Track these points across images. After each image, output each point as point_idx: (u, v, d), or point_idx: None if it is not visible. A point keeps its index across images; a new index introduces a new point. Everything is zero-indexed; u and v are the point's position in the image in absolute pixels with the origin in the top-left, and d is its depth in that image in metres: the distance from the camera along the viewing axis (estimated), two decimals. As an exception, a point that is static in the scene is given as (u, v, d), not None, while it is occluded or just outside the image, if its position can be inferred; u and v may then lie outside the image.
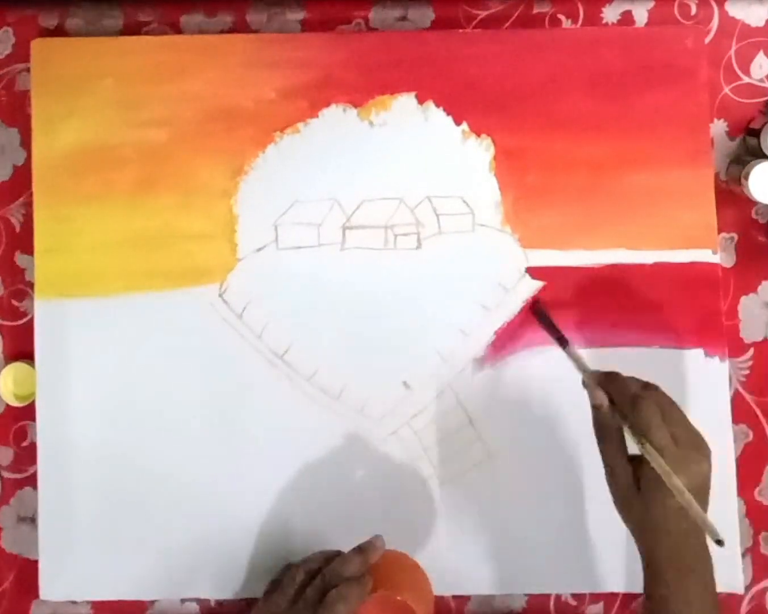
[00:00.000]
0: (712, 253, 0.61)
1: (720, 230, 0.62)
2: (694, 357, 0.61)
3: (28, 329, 0.62)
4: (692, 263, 0.61)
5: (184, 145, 0.62)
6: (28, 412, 0.62)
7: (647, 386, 0.51)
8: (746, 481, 0.61)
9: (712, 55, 0.63)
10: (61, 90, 0.62)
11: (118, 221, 0.62)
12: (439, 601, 0.60)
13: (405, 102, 0.62)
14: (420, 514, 0.61)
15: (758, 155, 0.61)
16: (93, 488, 0.61)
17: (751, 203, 0.62)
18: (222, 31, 0.64)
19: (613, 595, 0.61)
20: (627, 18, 0.64)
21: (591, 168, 0.62)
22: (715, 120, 0.63)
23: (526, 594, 0.62)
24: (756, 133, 0.61)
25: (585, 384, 0.53)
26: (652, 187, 0.61)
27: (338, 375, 0.61)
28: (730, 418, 0.61)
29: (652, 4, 0.64)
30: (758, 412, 0.62)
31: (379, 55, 0.62)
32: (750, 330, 0.63)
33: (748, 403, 0.62)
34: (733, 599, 0.61)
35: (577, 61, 0.62)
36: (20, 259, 0.64)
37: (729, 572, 0.60)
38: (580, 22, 0.64)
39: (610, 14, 0.64)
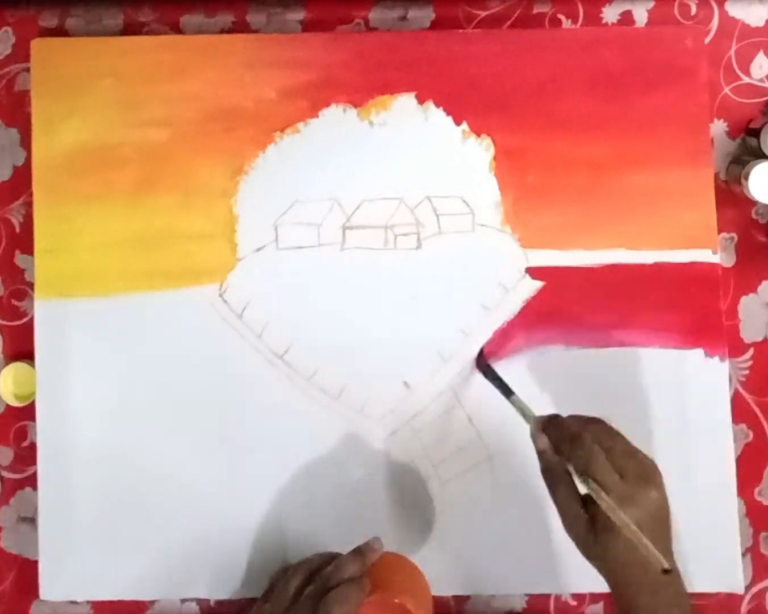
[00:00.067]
0: (712, 253, 0.61)
1: (720, 230, 0.62)
2: (694, 357, 0.61)
3: (28, 329, 0.62)
4: (692, 263, 0.61)
5: (184, 145, 0.62)
6: (28, 412, 0.62)
7: (589, 422, 0.51)
8: (746, 481, 0.61)
9: (712, 55, 0.63)
10: (61, 90, 0.62)
11: (118, 221, 0.62)
12: (439, 601, 0.60)
13: (405, 102, 0.62)
14: (420, 514, 0.61)
15: (758, 155, 0.61)
16: (93, 488, 0.61)
17: (751, 203, 0.62)
18: (222, 31, 0.64)
19: (613, 595, 0.61)
20: (627, 18, 0.64)
21: (591, 168, 0.62)
22: (715, 120, 0.63)
23: (526, 594, 0.62)
24: (756, 133, 0.61)
25: (531, 435, 0.52)
26: (652, 187, 0.61)
27: (338, 375, 0.61)
28: (730, 418, 0.61)
29: (652, 4, 0.64)
30: (758, 412, 0.62)
31: (379, 55, 0.62)
32: (750, 330, 0.63)
33: (748, 403, 0.62)
34: (733, 599, 0.61)
35: (577, 61, 0.62)
36: (20, 259, 0.64)
37: (729, 572, 0.60)
38: (580, 22, 0.64)
39: (610, 14, 0.64)
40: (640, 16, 0.64)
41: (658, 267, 0.61)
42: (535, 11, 0.64)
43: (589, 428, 0.50)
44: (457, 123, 0.62)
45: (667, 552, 0.49)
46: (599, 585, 0.61)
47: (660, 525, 0.48)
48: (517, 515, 0.60)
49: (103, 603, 0.62)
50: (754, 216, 0.63)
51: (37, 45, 0.62)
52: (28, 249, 0.63)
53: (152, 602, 0.62)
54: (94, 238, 0.62)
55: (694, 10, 0.64)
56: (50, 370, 0.61)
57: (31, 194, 0.62)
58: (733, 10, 0.63)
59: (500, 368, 0.61)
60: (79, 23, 0.65)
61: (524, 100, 0.62)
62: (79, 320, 0.61)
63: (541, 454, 0.51)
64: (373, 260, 0.62)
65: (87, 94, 0.62)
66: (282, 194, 0.62)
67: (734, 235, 0.63)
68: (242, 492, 0.61)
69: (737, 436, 0.62)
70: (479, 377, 0.61)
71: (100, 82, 0.62)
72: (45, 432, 0.61)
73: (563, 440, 0.50)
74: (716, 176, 0.63)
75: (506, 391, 0.57)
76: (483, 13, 0.64)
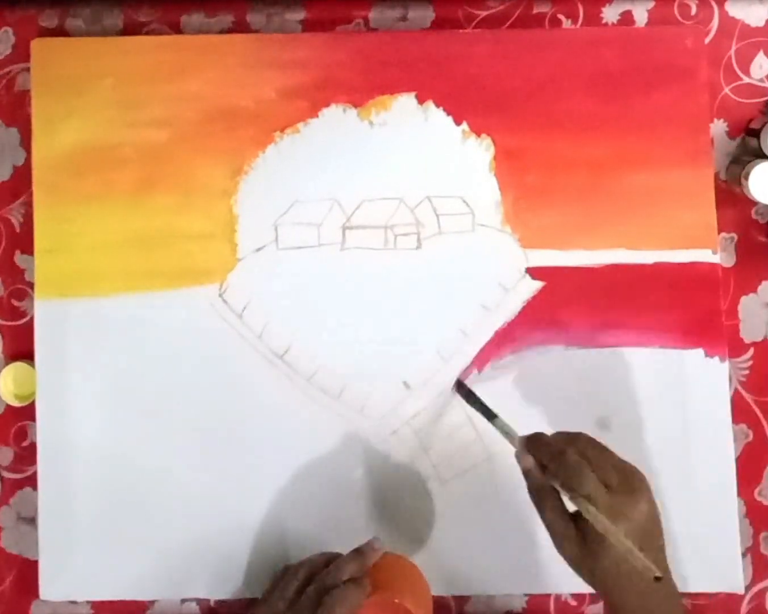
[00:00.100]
0: (712, 253, 0.61)
1: (720, 230, 0.62)
2: (694, 357, 0.61)
3: (28, 329, 0.62)
4: (692, 263, 0.61)
5: (184, 145, 0.62)
6: (28, 412, 0.62)
7: (572, 437, 0.50)
8: (746, 481, 0.61)
9: (712, 55, 0.63)
10: (61, 90, 0.62)
11: (118, 221, 0.62)
12: (439, 601, 0.60)
13: (405, 102, 0.62)
14: (420, 514, 0.61)
15: (758, 155, 0.61)
16: (93, 488, 0.61)
17: (751, 203, 0.62)
18: (222, 31, 0.64)
19: (613, 595, 0.61)
20: (627, 18, 0.64)
21: (591, 168, 0.62)
22: (715, 120, 0.63)
23: (526, 594, 0.62)
24: (756, 134, 0.61)
25: (516, 456, 0.52)
26: (652, 187, 0.61)
27: (338, 375, 0.61)
28: (730, 418, 0.61)
29: (652, 4, 0.64)
30: (758, 412, 0.62)
31: (379, 55, 0.62)
32: (750, 330, 0.63)
33: (748, 403, 0.62)
34: (733, 599, 0.61)
35: (577, 61, 0.62)
36: (20, 259, 0.64)
37: (729, 572, 0.60)
38: (580, 22, 0.64)
39: (610, 14, 0.64)
40: (640, 16, 0.64)
41: (658, 267, 0.61)
42: (535, 11, 0.64)
43: (572, 442, 0.49)
44: (457, 123, 0.62)
45: (659, 559, 0.49)
46: (599, 585, 0.61)
47: (650, 533, 0.48)
48: (518, 515, 0.60)
49: (103, 603, 0.62)
50: (754, 216, 0.63)
51: (37, 45, 0.62)
52: (28, 249, 0.63)
53: (152, 602, 0.62)
54: (94, 238, 0.62)
55: (694, 10, 0.64)
56: (50, 370, 0.61)
57: (31, 194, 0.62)
58: (733, 10, 0.63)
59: (500, 368, 0.61)
60: (79, 23, 0.65)
61: (524, 100, 0.62)
62: (79, 320, 0.61)
63: (526, 474, 0.50)
64: (373, 260, 0.62)
65: (87, 94, 0.62)
66: (282, 194, 0.62)
67: (734, 235, 0.63)
68: (242, 491, 0.61)
69: (737, 436, 0.62)
70: (479, 377, 0.61)
71: (100, 82, 0.62)
72: (45, 432, 0.61)
73: (547, 457, 0.49)
74: (716, 176, 0.63)
75: (489, 414, 0.56)
76: (483, 13, 0.64)
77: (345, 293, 0.61)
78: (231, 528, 0.61)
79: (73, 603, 0.62)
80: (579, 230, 0.61)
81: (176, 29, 0.64)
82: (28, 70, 0.63)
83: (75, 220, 0.62)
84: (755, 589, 0.62)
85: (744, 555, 0.61)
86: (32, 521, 0.62)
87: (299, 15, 0.64)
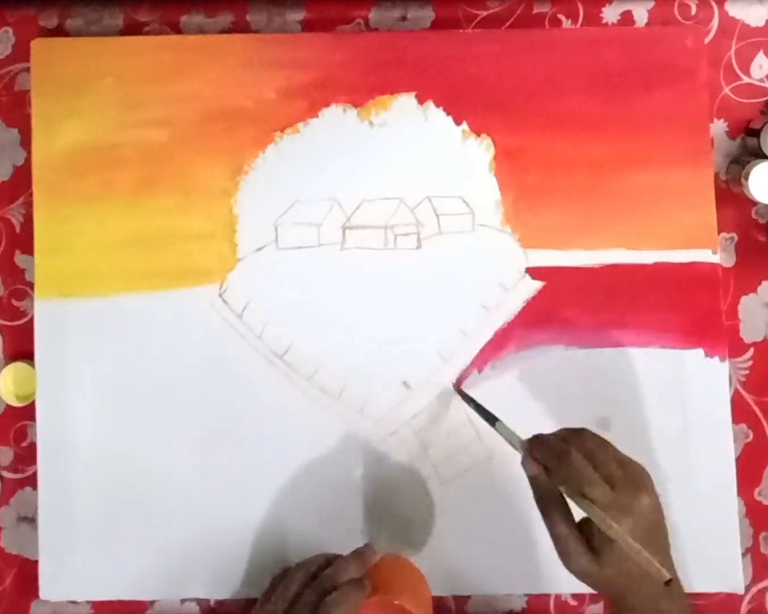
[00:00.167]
0: (712, 253, 0.61)
1: (720, 230, 0.62)
2: (694, 357, 0.61)
3: (28, 329, 0.62)
4: (692, 263, 0.61)
5: (184, 145, 0.62)
6: (28, 412, 0.62)
7: (573, 434, 0.50)
8: (746, 481, 0.61)
9: (712, 55, 0.63)
10: (61, 90, 0.62)
11: (118, 221, 0.62)
12: (439, 601, 0.61)
13: (405, 102, 0.62)
14: (420, 514, 0.61)
15: (758, 155, 0.61)
16: (93, 488, 0.61)
17: (751, 203, 0.62)
18: (222, 31, 0.64)
19: (613, 595, 0.61)
20: (627, 18, 0.64)
21: (591, 168, 0.62)
22: (715, 120, 0.63)
23: (526, 594, 0.62)
24: (756, 134, 0.61)
25: (522, 462, 0.51)
26: (652, 187, 0.61)
27: (338, 375, 0.61)
28: (730, 418, 0.61)
29: (652, 4, 0.64)
30: (758, 412, 0.62)
31: (379, 55, 0.62)
32: (750, 330, 0.63)
33: (748, 403, 0.62)
34: (733, 599, 0.61)
35: (577, 61, 0.62)
36: (20, 259, 0.64)
37: (729, 572, 0.60)
38: (580, 22, 0.64)
39: (610, 14, 0.64)
40: (640, 16, 0.64)
41: (658, 267, 0.61)
42: (535, 11, 0.64)
43: (573, 441, 0.49)
44: (457, 123, 0.62)
45: (666, 559, 0.48)
46: (599, 585, 0.61)
47: (655, 530, 0.48)
48: (518, 515, 0.60)
49: (103, 603, 0.62)
50: (754, 216, 0.63)
51: (37, 45, 0.62)
52: (28, 249, 0.63)
53: (152, 602, 0.62)
54: (94, 238, 0.62)
55: (694, 10, 0.64)
56: (50, 370, 0.61)
57: (31, 194, 0.62)
58: (733, 10, 0.63)
59: (500, 368, 0.61)
60: (79, 23, 0.65)
61: (524, 100, 0.62)
62: (79, 320, 0.61)
63: (532, 480, 0.49)
64: (373, 260, 0.62)
65: (87, 94, 0.62)
66: (282, 194, 0.62)
67: (734, 235, 0.63)
68: (242, 491, 0.61)
69: (737, 436, 0.62)
70: (479, 377, 0.61)
71: (100, 82, 0.62)
72: (45, 432, 0.61)
73: (551, 460, 0.48)
74: (716, 176, 0.63)
75: (490, 419, 0.56)
76: (483, 13, 0.64)
77: (345, 293, 0.61)
78: (231, 528, 0.61)
79: (73, 603, 0.62)
80: (579, 230, 0.61)
81: (176, 29, 0.64)
82: (28, 70, 0.63)
83: (75, 220, 0.62)
84: (755, 589, 0.62)
85: (744, 555, 0.61)
86: (32, 521, 0.62)
87: (299, 15, 0.64)
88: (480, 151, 0.62)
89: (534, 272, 0.61)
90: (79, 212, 0.62)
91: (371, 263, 0.62)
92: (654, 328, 0.61)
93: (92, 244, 0.62)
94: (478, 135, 0.62)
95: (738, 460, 0.61)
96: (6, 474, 0.63)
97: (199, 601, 0.62)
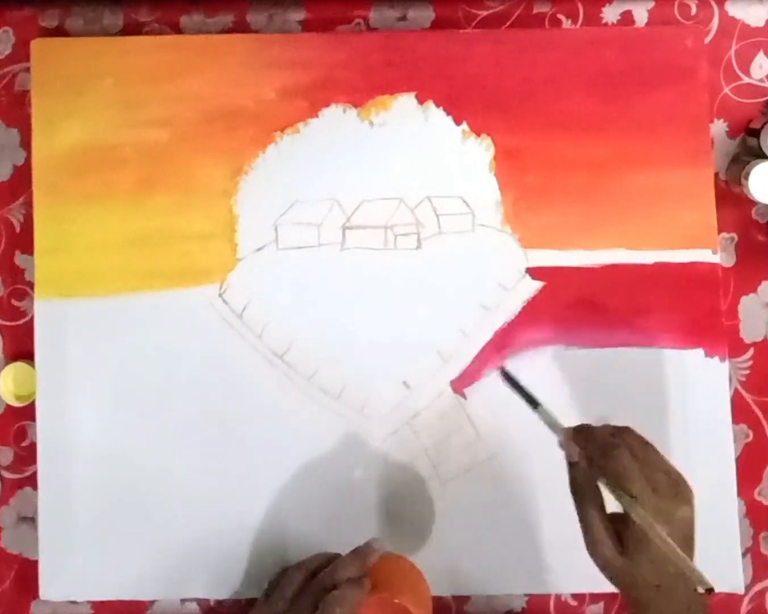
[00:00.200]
0: (712, 253, 0.61)
1: (720, 230, 0.62)
2: (694, 357, 0.61)
3: (28, 329, 0.62)
4: (692, 263, 0.61)
5: (184, 145, 0.62)
6: (28, 412, 0.62)
7: (618, 431, 0.50)
8: (746, 481, 0.61)
9: (712, 55, 0.63)
10: (61, 90, 0.62)
11: (118, 221, 0.62)
12: (439, 601, 0.61)
13: (405, 102, 0.62)
14: (420, 514, 0.61)
15: (758, 155, 0.61)
16: (93, 488, 0.61)
17: (751, 203, 0.62)
18: (222, 31, 0.64)
19: (613, 595, 0.61)
20: (627, 18, 0.64)
21: (591, 168, 0.62)
22: (715, 120, 0.63)
23: (526, 594, 0.62)
24: (756, 134, 0.61)
25: (560, 444, 0.51)
26: (652, 187, 0.61)
27: (338, 375, 0.61)
28: (730, 418, 0.61)
29: (652, 4, 0.64)
30: (758, 412, 0.62)
31: (379, 55, 0.62)
32: (750, 330, 0.63)
33: (748, 403, 0.62)
34: (733, 599, 0.61)
35: (577, 61, 0.62)
36: (20, 259, 0.64)
37: (729, 572, 0.60)
38: (580, 22, 0.64)
39: (610, 14, 0.64)
40: (640, 16, 0.64)
41: (658, 267, 0.61)
42: (535, 11, 0.64)
43: (622, 438, 0.49)
44: (457, 123, 0.62)
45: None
46: (599, 585, 0.61)
47: (688, 543, 0.48)
48: (517, 515, 0.60)
49: (103, 603, 0.62)
50: (754, 216, 0.63)
51: (37, 45, 0.62)
52: (28, 249, 0.63)
53: (152, 602, 0.62)
54: (94, 238, 0.62)
55: (694, 10, 0.64)
56: (50, 370, 0.61)
57: (31, 194, 0.62)
58: (733, 10, 0.63)
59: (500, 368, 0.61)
60: (79, 23, 0.65)
61: (524, 100, 0.62)
62: (79, 320, 0.61)
63: (573, 466, 0.49)
64: (373, 260, 0.62)
65: (87, 94, 0.62)
66: (282, 194, 0.62)
67: (734, 235, 0.63)
68: (242, 491, 0.61)
69: (737, 436, 0.62)
70: (479, 378, 0.61)
71: (100, 82, 0.62)
72: (45, 432, 0.61)
73: (597, 452, 0.48)
74: (716, 176, 0.63)
75: (532, 402, 0.56)
76: (483, 13, 0.64)
77: (345, 293, 0.61)
78: (231, 528, 0.61)
79: (73, 603, 0.62)
80: (579, 230, 0.61)
81: (176, 29, 0.64)
82: (28, 70, 0.63)
83: (75, 220, 0.62)
84: (755, 589, 0.62)
85: (744, 555, 0.61)
86: (32, 521, 0.62)
87: (299, 15, 0.64)
88: (480, 151, 0.62)
89: (534, 272, 0.61)
90: (79, 212, 0.62)
91: (371, 263, 0.62)
92: (654, 328, 0.61)
93: (92, 244, 0.62)
94: (478, 135, 0.62)
95: (738, 460, 0.61)
96: (6, 474, 0.63)
97: (199, 601, 0.62)
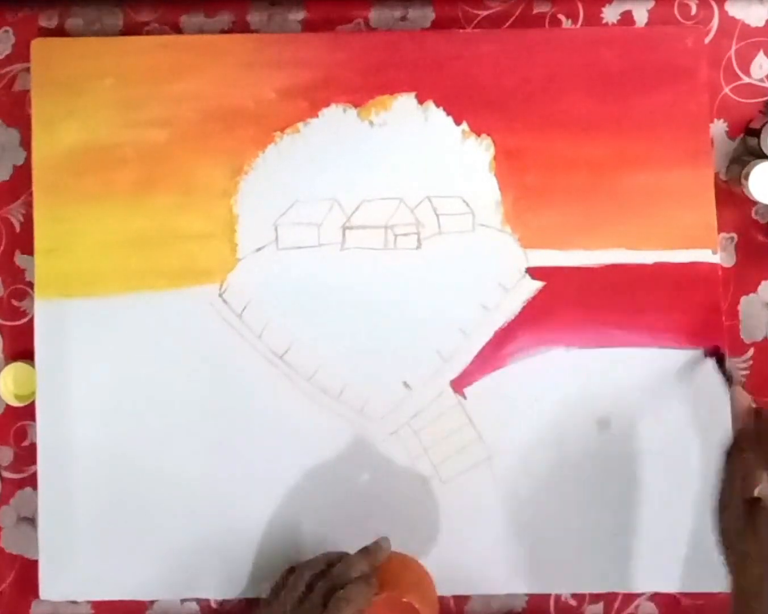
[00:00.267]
0: (712, 253, 0.61)
1: (720, 230, 0.62)
2: (694, 357, 0.61)
3: (28, 329, 0.62)
4: (692, 263, 0.61)
5: (184, 145, 0.62)
6: (28, 412, 0.62)
7: None
8: (746, 481, 0.61)
9: (712, 55, 0.63)
10: (61, 90, 0.62)
11: (118, 221, 0.62)
12: (439, 601, 0.60)
13: (405, 102, 0.62)
14: (420, 514, 0.61)
15: (758, 155, 0.61)
16: (93, 488, 0.61)
17: (751, 203, 0.62)
18: (222, 31, 0.64)
19: (613, 595, 0.61)
20: (627, 18, 0.64)
21: (591, 168, 0.62)
22: (715, 120, 0.63)
23: (526, 594, 0.62)
24: (756, 133, 0.61)
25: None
26: (652, 187, 0.61)
27: (338, 375, 0.61)
28: (730, 418, 0.61)
29: (652, 4, 0.64)
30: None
31: (379, 55, 0.62)
32: (750, 330, 0.63)
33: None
34: (733, 599, 0.61)
35: (577, 61, 0.62)
36: (20, 259, 0.64)
37: (729, 572, 0.60)
38: (580, 22, 0.64)
39: (610, 14, 0.64)
40: (640, 16, 0.64)
41: (658, 267, 0.61)
42: (535, 11, 0.64)
43: None
44: (457, 123, 0.62)
45: None
46: (599, 585, 0.61)
47: None
48: (517, 515, 0.60)
49: (103, 603, 0.62)
50: (754, 216, 0.63)
51: (37, 45, 0.62)
52: (28, 249, 0.63)
53: (152, 602, 0.62)
54: (94, 238, 0.62)
55: (694, 10, 0.64)
56: (50, 370, 0.61)
57: (31, 194, 0.62)
58: (733, 10, 0.63)
59: (500, 368, 0.61)
60: (79, 23, 0.65)
61: (524, 100, 0.62)
62: (79, 320, 0.61)
63: (741, 423, 0.52)
64: (373, 260, 0.62)
65: (87, 94, 0.62)
66: (282, 194, 0.62)
67: (734, 235, 0.63)
68: (242, 491, 0.61)
69: (737, 436, 0.62)
70: (479, 378, 0.61)
71: (100, 82, 0.62)
72: (45, 432, 0.61)
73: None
74: (716, 176, 0.63)
75: (729, 380, 0.58)
76: (483, 13, 0.64)
77: (345, 293, 0.61)
78: (230, 528, 0.61)
79: (73, 603, 0.62)
80: (579, 230, 0.61)
81: (176, 29, 0.64)
82: (28, 70, 0.63)
83: (75, 220, 0.62)
84: (755, 589, 0.62)
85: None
86: (32, 521, 0.62)
87: (299, 15, 0.64)
88: (480, 151, 0.62)
89: (534, 272, 0.61)
90: (79, 212, 0.62)
91: (371, 263, 0.62)
92: (654, 328, 0.61)
93: (92, 244, 0.62)
94: (478, 135, 0.62)
95: (738, 460, 0.61)
96: (6, 474, 0.63)
97: (199, 601, 0.62)
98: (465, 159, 0.62)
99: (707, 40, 0.63)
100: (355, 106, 0.62)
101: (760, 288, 0.63)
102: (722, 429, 0.60)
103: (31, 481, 0.62)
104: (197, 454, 0.61)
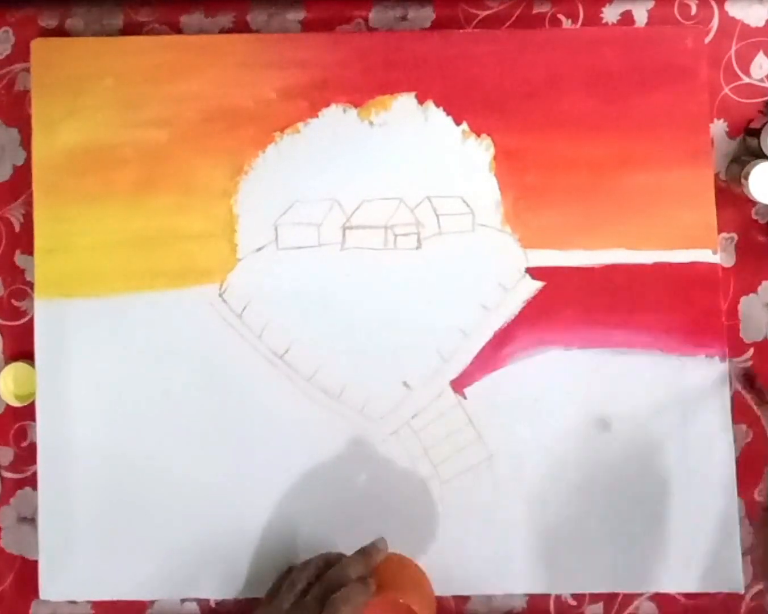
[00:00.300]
0: (712, 253, 0.61)
1: (720, 230, 0.62)
2: (694, 357, 0.61)
3: (28, 329, 0.62)
4: (692, 263, 0.61)
5: (184, 145, 0.62)
6: (28, 412, 0.62)
7: None
8: (746, 481, 0.61)
9: (712, 55, 0.63)
10: (61, 90, 0.62)
11: (118, 221, 0.62)
12: (439, 601, 0.60)
13: (405, 102, 0.62)
14: (420, 514, 0.61)
15: (758, 155, 0.61)
16: (93, 488, 0.61)
17: (751, 203, 0.62)
18: (222, 31, 0.64)
19: (613, 595, 0.61)
20: (627, 18, 0.64)
21: (591, 168, 0.62)
22: (715, 120, 0.63)
23: (526, 594, 0.62)
24: (756, 133, 0.61)
25: None
26: (652, 187, 0.61)
27: (338, 375, 0.61)
28: (730, 418, 0.61)
29: (652, 4, 0.64)
30: (758, 412, 0.62)
31: (379, 55, 0.62)
32: (750, 330, 0.63)
33: (748, 403, 0.62)
34: (733, 599, 0.61)
35: (577, 61, 0.62)
36: (20, 259, 0.64)
37: (729, 572, 0.60)
38: (580, 22, 0.64)
39: (610, 14, 0.64)
40: (640, 16, 0.64)
41: (658, 267, 0.61)
42: (535, 11, 0.64)
43: None
44: (457, 123, 0.62)
45: None
46: (599, 585, 0.61)
47: None
48: (517, 515, 0.60)
49: (103, 603, 0.62)
50: (754, 216, 0.63)
51: (37, 45, 0.62)
52: (28, 249, 0.63)
53: (152, 602, 0.62)
54: (94, 238, 0.62)
55: (694, 10, 0.64)
56: (50, 370, 0.61)
57: (31, 194, 0.62)
58: (733, 10, 0.63)
59: (500, 368, 0.61)
60: (79, 23, 0.65)
61: (524, 100, 0.62)
62: (79, 320, 0.61)
63: None
64: (373, 260, 0.62)
65: (87, 94, 0.62)
66: (282, 194, 0.62)
67: (734, 235, 0.63)
68: (241, 491, 0.61)
69: (737, 436, 0.62)
70: (479, 378, 0.61)
71: (100, 82, 0.62)
72: (45, 432, 0.61)
73: None
74: (716, 176, 0.63)
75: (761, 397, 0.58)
76: (483, 13, 0.64)
77: (345, 293, 0.61)
78: (230, 528, 0.61)
79: (73, 603, 0.62)
80: (579, 230, 0.61)
81: (176, 29, 0.64)
82: (28, 70, 0.63)
83: (75, 220, 0.62)
84: (755, 589, 0.62)
85: (744, 555, 0.61)
86: (32, 521, 0.62)
87: (299, 15, 0.64)
88: (480, 151, 0.62)
89: (534, 272, 0.61)
90: (79, 212, 0.62)
91: (371, 263, 0.62)
92: (654, 328, 0.61)
93: (92, 244, 0.62)
94: (478, 135, 0.62)
95: (738, 460, 0.61)
96: (6, 474, 0.63)
97: (199, 601, 0.62)
98: (465, 159, 0.62)
99: (707, 40, 0.63)
100: (355, 106, 0.62)
101: (760, 288, 0.63)
102: (722, 429, 0.61)
103: (31, 481, 0.62)
104: (197, 454, 0.61)
